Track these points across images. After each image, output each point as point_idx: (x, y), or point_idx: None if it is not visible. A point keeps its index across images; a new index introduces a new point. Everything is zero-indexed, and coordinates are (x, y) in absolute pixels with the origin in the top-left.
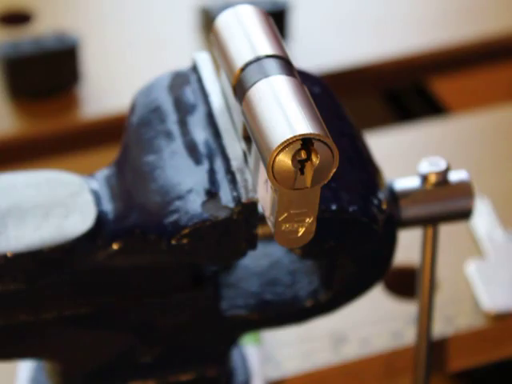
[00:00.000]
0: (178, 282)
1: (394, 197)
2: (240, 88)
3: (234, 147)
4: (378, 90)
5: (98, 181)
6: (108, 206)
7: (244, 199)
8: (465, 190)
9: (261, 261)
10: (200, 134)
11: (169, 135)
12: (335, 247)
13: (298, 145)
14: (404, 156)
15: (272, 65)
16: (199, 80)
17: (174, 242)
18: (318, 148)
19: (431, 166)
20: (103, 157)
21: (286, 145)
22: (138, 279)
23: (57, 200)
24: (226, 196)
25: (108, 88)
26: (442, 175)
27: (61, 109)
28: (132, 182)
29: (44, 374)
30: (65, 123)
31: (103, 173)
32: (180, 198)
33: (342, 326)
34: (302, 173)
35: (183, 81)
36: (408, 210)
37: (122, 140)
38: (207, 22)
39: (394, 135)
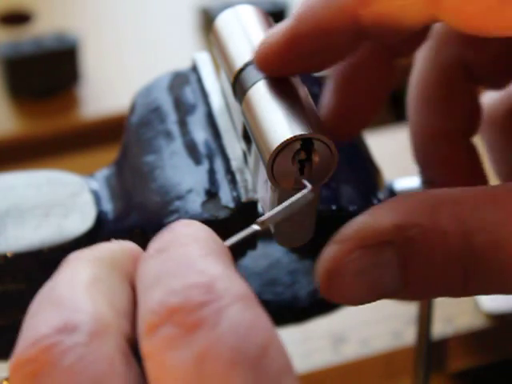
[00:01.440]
0: None
1: None
2: (240, 88)
3: (234, 147)
4: None
5: (98, 181)
6: (108, 206)
7: (244, 199)
8: None
9: (260, 261)
10: (200, 134)
11: (169, 135)
12: None
13: (297, 145)
14: (404, 156)
15: None
16: (199, 80)
17: None
18: (318, 148)
19: None
20: (103, 157)
21: (286, 145)
22: None
23: (57, 200)
24: (225, 196)
25: (108, 88)
26: None
27: (61, 109)
28: (132, 182)
29: None
30: (65, 123)
31: (103, 173)
32: (180, 197)
33: (342, 326)
34: (302, 173)
35: (183, 81)
36: None
37: (122, 140)
38: (207, 21)
39: (394, 135)
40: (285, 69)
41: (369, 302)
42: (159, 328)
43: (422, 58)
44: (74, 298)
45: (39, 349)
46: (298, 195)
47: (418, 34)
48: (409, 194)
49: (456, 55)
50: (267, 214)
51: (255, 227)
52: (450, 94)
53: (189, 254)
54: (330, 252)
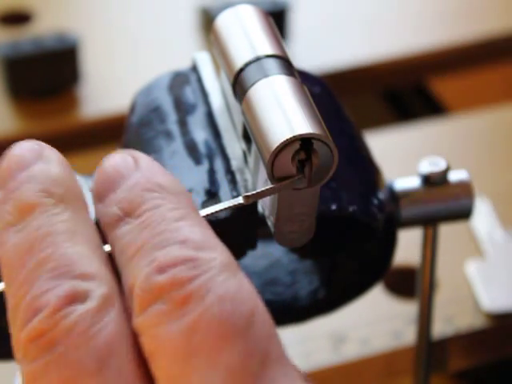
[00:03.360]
0: None
1: (394, 197)
2: (240, 88)
3: (234, 147)
4: (377, 90)
5: None
6: None
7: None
8: (465, 190)
9: (260, 261)
10: (200, 134)
11: (169, 135)
12: (335, 247)
13: (297, 145)
14: (404, 156)
15: (272, 65)
16: (199, 80)
17: None
18: (318, 148)
19: (431, 165)
20: (103, 157)
21: (286, 145)
22: None
23: None
24: (225, 196)
25: (108, 88)
26: (442, 175)
27: (61, 109)
28: None
29: None
30: (65, 123)
31: None
32: None
33: (342, 326)
34: (302, 173)
35: (183, 81)
36: (408, 210)
37: (122, 140)
38: (207, 22)
39: (394, 135)
40: None
41: None
42: (150, 305)
43: None
44: (70, 259)
45: (53, 320)
46: (288, 180)
47: None
48: None
49: None
50: (255, 191)
51: (240, 200)
52: None
53: (164, 216)
54: None
